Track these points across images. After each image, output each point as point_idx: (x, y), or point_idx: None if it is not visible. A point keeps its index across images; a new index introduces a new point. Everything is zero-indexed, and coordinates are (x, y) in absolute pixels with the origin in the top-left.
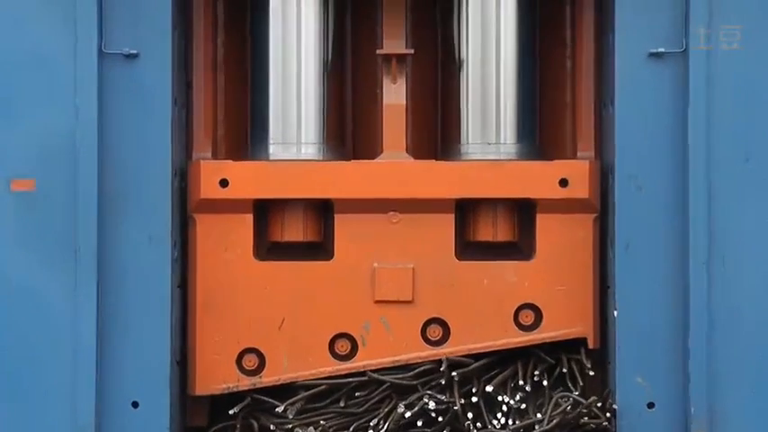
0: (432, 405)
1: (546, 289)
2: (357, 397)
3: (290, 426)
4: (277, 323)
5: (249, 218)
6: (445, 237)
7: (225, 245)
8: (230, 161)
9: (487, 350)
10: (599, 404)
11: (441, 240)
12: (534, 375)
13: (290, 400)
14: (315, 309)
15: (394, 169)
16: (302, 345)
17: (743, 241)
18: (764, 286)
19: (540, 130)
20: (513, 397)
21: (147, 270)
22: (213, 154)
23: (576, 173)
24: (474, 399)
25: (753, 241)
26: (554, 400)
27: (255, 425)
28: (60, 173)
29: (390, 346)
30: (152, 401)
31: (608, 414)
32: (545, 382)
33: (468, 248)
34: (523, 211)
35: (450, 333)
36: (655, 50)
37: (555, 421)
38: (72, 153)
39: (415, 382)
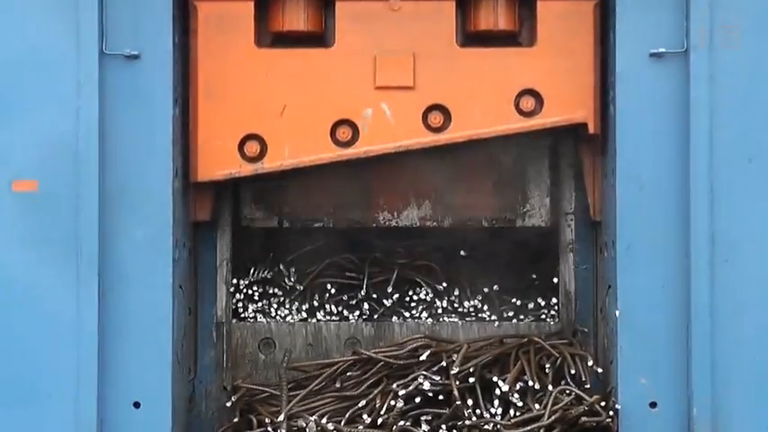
0: (426, 386)
1: (547, 75)
2: (351, 378)
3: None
4: (278, 110)
5: (250, 5)
6: (446, 23)
7: (226, 32)
8: None
9: (488, 136)
10: (602, 403)
11: (442, 27)
12: (544, 369)
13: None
14: (316, 95)
15: None
16: (303, 131)
17: (745, 241)
18: (767, 286)
19: None
20: (513, 389)
21: (149, 270)
22: None
23: None
24: (471, 379)
25: (755, 241)
26: (553, 394)
27: (254, 421)
28: (62, 173)
29: (391, 132)
30: (154, 402)
31: (611, 412)
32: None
33: (469, 39)
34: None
35: (451, 119)
36: (656, 51)
37: (555, 416)
38: (73, 154)
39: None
